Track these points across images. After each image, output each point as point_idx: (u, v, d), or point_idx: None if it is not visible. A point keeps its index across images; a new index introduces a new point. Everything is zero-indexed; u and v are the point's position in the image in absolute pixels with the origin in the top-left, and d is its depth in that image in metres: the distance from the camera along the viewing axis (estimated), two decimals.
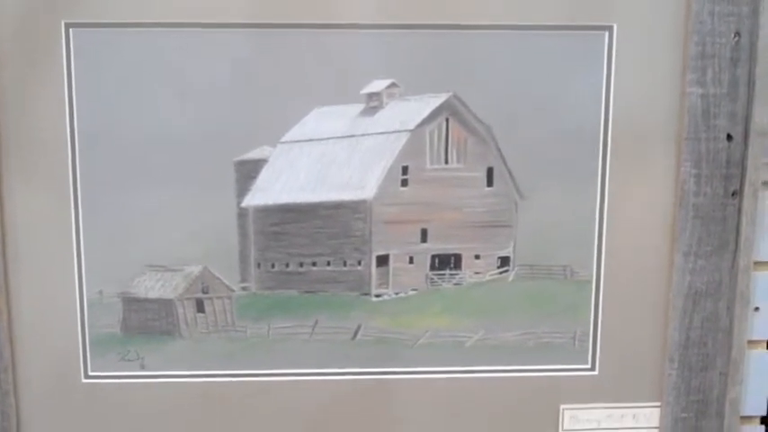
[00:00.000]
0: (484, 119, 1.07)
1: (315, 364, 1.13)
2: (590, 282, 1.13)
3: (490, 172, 1.09)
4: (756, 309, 1.14)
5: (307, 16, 1.03)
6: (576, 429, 1.16)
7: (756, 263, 1.13)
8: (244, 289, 1.11)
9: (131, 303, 1.10)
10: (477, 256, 1.12)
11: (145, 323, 1.11)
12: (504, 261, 1.12)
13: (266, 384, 1.13)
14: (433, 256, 1.12)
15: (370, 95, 1.06)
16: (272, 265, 1.10)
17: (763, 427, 1.18)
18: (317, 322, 1.12)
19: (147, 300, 1.10)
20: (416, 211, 1.10)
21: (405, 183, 1.09)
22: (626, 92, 1.07)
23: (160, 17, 1.03)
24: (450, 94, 1.07)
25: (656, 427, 1.17)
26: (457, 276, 1.12)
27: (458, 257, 1.12)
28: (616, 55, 1.06)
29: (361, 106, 1.06)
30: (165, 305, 1.11)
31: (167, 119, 1.05)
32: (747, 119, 1.07)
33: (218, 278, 1.10)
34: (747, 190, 1.09)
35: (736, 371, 1.14)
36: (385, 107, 1.07)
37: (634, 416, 1.17)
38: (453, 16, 1.04)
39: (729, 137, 1.07)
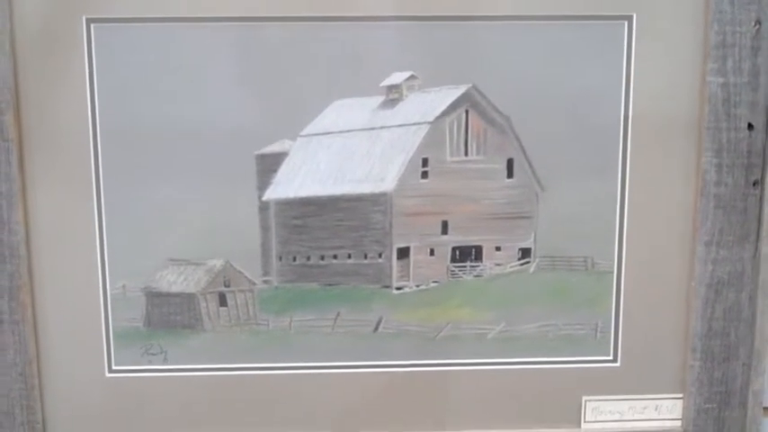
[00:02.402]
0: (503, 110, 1.07)
1: (336, 356, 1.13)
2: (611, 273, 1.12)
3: (510, 163, 1.09)
4: None
5: (326, 9, 1.04)
6: (599, 421, 1.16)
7: None
8: (265, 282, 1.11)
9: (154, 297, 1.11)
10: (497, 248, 1.12)
11: (168, 317, 1.12)
12: (525, 253, 1.12)
13: (288, 377, 1.13)
14: (454, 248, 1.12)
15: (390, 88, 1.06)
16: (294, 259, 1.11)
17: None
18: (338, 315, 1.12)
19: (169, 294, 1.11)
20: (437, 204, 1.10)
21: (425, 175, 1.09)
22: (646, 81, 1.07)
23: (180, 11, 1.03)
24: (470, 85, 1.07)
25: (678, 419, 1.16)
26: (478, 268, 1.12)
27: (478, 249, 1.12)
28: (635, 44, 1.06)
29: (380, 99, 1.07)
30: (188, 299, 1.11)
31: (188, 113, 1.06)
32: None
33: (239, 272, 1.10)
34: None
35: (759, 361, 1.14)
36: (404, 99, 1.07)
37: (656, 407, 1.16)
38: (472, 7, 1.04)
39: (750, 126, 1.07)
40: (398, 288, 1.12)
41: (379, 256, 1.11)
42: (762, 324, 1.12)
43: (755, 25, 1.05)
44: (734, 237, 1.10)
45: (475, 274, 1.12)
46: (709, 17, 1.05)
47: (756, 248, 1.10)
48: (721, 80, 1.06)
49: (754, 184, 1.09)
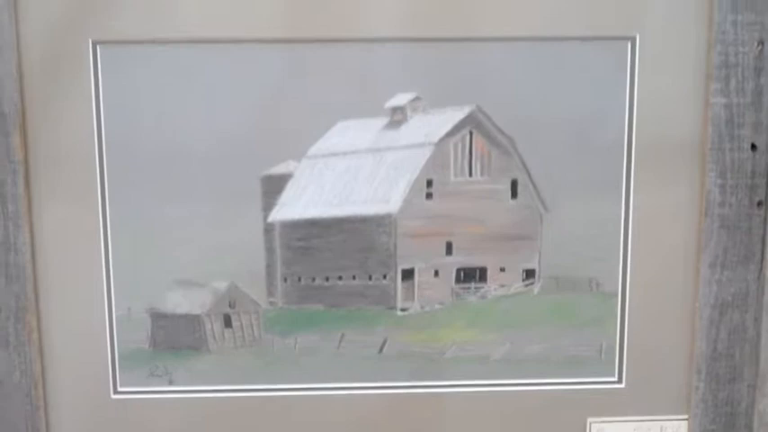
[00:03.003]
0: (507, 131, 1.08)
1: (341, 378, 1.13)
2: (616, 294, 1.12)
3: (514, 184, 1.10)
4: None
5: (331, 31, 1.04)
6: None
7: None
8: (271, 304, 1.11)
9: (159, 319, 1.11)
10: (502, 269, 1.12)
11: (173, 339, 1.12)
12: (530, 274, 1.12)
13: (293, 399, 1.13)
14: (459, 270, 1.12)
15: (394, 109, 1.07)
16: (299, 280, 1.11)
17: None
18: (343, 336, 1.12)
19: (174, 315, 1.11)
20: (441, 225, 1.10)
21: (429, 196, 1.10)
22: (649, 102, 1.07)
23: (186, 33, 1.04)
24: (474, 106, 1.07)
25: None
26: (482, 289, 1.12)
27: (483, 270, 1.12)
28: (639, 65, 1.06)
29: (385, 120, 1.07)
30: (193, 320, 1.11)
31: (194, 134, 1.06)
32: None
33: (245, 293, 1.11)
34: None
35: (765, 382, 1.13)
36: (409, 120, 1.07)
37: (662, 428, 1.16)
38: (476, 29, 1.05)
39: (754, 146, 1.07)
40: (403, 309, 1.12)
41: (384, 277, 1.11)
42: (766, 345, 1.12)
43: (758, 46, 1.05)
44: (738, 257, 1.10)
45: (479, 295, 1.12)
46: (713, 38, 1.05)
47: (761, 269, 1.10)
48: (724, 101, 1.06)
49: (758, 205, 1.09)
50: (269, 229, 1.09)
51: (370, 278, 1.11)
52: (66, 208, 1.08)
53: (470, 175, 1.10)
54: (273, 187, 1.08)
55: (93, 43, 1.04)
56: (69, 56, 1.04)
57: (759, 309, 1.11)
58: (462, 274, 1.12)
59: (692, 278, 1.12)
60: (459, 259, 1.12)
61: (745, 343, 1.12)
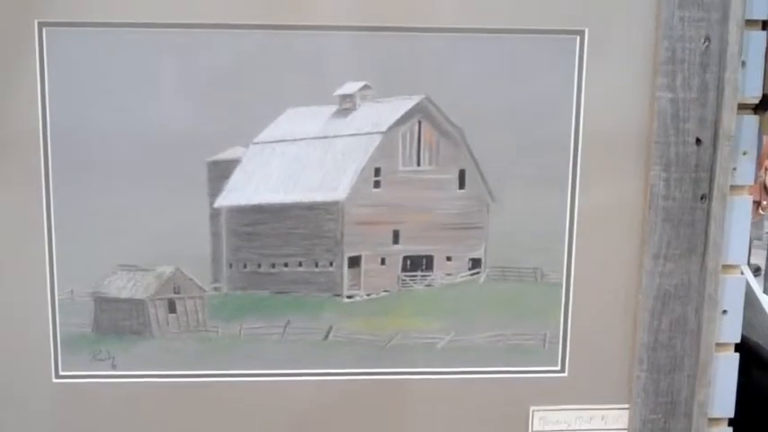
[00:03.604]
0: (456, 122, 1.08)
1: (286, 364, 1.13)
2: (560, 284, 1.13)
3: (462, 174, 1.10)
4: (724, 312, 1.15)
5: (280, 18, 1.04)
6: (546, 431, 1.17)
7: (725, 266, 1.14)
8: (216, 289, 1.11)
9: (103, 303, 1.10)
10: (448, 258, 1.12)
11: (116, 323, 1.11)
12: (476, 263, 1.13)
13: (237, 384, 1.13)
14: (405, 258, 1.12)
15: (344, 97, 1.07)
16: (244, 266, 1.11)
17: (730, 428, 1.19)
18: (288, 323, 1.12)
19: (118, 300, 1.10)
20: (388, 213, 1.11)
21: (377, 184, 1.10)
22: (596, 95, 1.08)
23: (133, 17, 1.03)
24: (423, 96, 1.07)
25: (624, 429, 1.18)
26: (428, 278, 1.13)
27: (429, 259, 1.12)
28: (587, 59, 1.07)
29: (334, 108, 1.07)
30: (137, 305, 1.11)
31: (140, 119, 1.05)
32: (716, 123, 1.08)
33: (190, 278, 1.10)
34: (716, 194, 1.10)
35: (704, 373, 1.15)
36: (358, 109, 1.07)
37: (603, 417, 1.17)
38: (426, 19, 1.05)
39: (699, 141, 1.09)
40: (349, 297, 1.13)
41: (330, 264, 1.11)
42: (707, 336, 1.14)
43: (704, 42, 1.06)
44: (681, 250, 1.11)
45: (426, 283, 1.13)
46: (660, 33, 1.06)
47: (703, 262, 1.12)
48: (670, 95, 1.07)
49: (701, 198, 1.10)
50: (215, 214, 1.09)
51: (316, 265, 1.11)
52: (9, 190, 1.06)
53: (418, 164, 1.10)
54: (220, 173, 1.07)
55: (38, 25, 1.03)
56: (14, 38, 1.03)
57: (700, 300, 1.13)
58: (409, 263, 1.12)
59: (636, 269, 1.13)
60: (406, 247, 1.12)
61: (686, 334, 1.14)
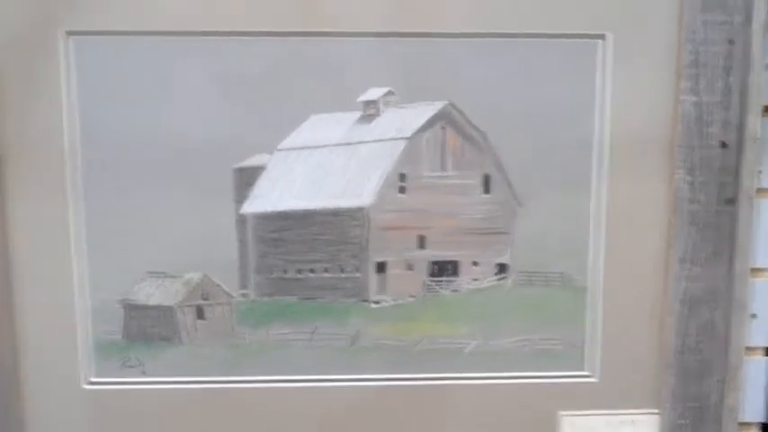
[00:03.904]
0: (480, 126, 1.09)
1: (313, 370, 1.14)
2: (586, 289, 1.13)
3: (487, 179, 1.10)
4: (753, 315, 1.14)
5: (305, 25, 1.05)
6: None
7: (753, 269, 1.13)
8: (243, 296, 1.12)
9: (132, 310, 1.11)
10: (474, 263, 1.13)
11: (145, 330, 1.12)
12: (502, 268, 1.13)
13: (265, 390, 1.14)
14: (431, 263, 1.12)
15: (367, 103, 1.07)
16: (271, 272, 1.12)
17: None
18: (315, 329, 1.13)
19: (147, 306, 1.11)
20: (414, 218, 1.11)
21: (402, 190, 1.10)
22: (620, 99, 1.08)
23: (158, 26, 1.04)
24: (446, 102, 1.08)
25: None
26: (455, 283, 1.13)
27: (455, 264, 1.13)
28: (610, 63, 1.07)
29: (357, 114, 1.08)
30: (166, 312, 1.12)
31: (167, 126, 1.07)
32: (741, 126, 1.08)
33: (217, 285, 1.11)
34: (742, 197, 1.09)
35: (734, 377, 1.14)
36: (382, 115, 1.08)
37: (633, 422, 1.17)
38: (449, 25, 1.05)
39: (723, 144, 1.08)
40: (376, 302, 1.13)
41: (357, 270, 1.12)
42: (736, 340, 1.13)
43: (728, 45, 1.06)
44: (707, 253, 1.11)
45: (452, 288, 1.13)
46: (683, 37, 1.06)
47: (730, 265, 1.11)
48: (694, 99, 1.07)
49: (727, 202, 1.10)
50: (241, 221, 1.10)
51: (342, 271, 1.12)
52: (39, 200, 1.08)
53: (443, 169, 1.10)
54: (246, 180, 1.08)
55: (65, 34, 1.04)
56: (42, 47, 1.04)
57: (728, 304, 1.12)
58: (435, 268, 1.13)
59: (662, 274, 1.13)
60: (432, 253, 1.12)
61: (715, 338, 1.13)
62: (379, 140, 1.09)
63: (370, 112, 1.08)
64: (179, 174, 1.07)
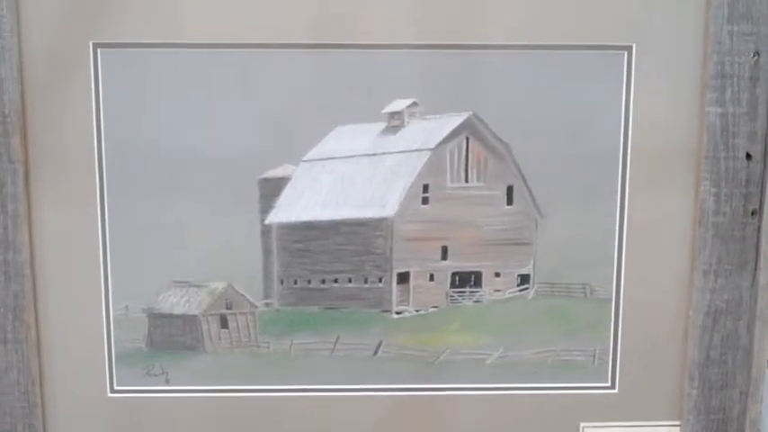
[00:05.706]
0: (504, 138, 1.09)
1: (336, 380, 1.14)
2: (610, 300, 1.13)
3: (510, 190, 1.10)
4: None
5: (330, 36, 1.05)
6: None
7: None
8: (267, 305, 1.12)
9: (156, 319, 1.12)
10: (497, 274, 1.13)
11: (170, 338, 1.13)
12: (524, 279, 1.13)
13: (288, 400, 1.14)
14: (454, 274, 1.13)
15: (392, 114, 1.08)
16: (295, 282, 1.12)
17: None
18: (338, 339, 1.13)
19: (171, 315, 1.12)
20: (437, 229, 1.11)
21: (425, 201, 1.10)
22: (645, 110, 1.08)
23: (186, 38, 1.05)
24: (470, 113, 1.08)
25: None
26: (477, 294, 1.13)
27: (478, 275, 1.13)
28: (635, 74, 1.07)
29: (382, 125, 1.08)
30: (190, 321, 1.12)
31: (193, 137, 1.07)
32: (767, 138, 1.08)
33: (241, 294, 1.11)
34: (767, 209, 1.09)
35: (757, 389, 1.14)
36: (406, 126, 1.08)
37: None
38: (474, 36, 1.06)
39: (749, 156, 1.08)
40: (398, 312, 1.13)
41: (380, 280, 1.12)
42: (759, 352, 1.13)
43: (754, 56, 1.06)
44: (732, 266, 1.11)
45: (474, 299, 1.13)
46: (709, 48, 1.06)
47: (754, 277, 1.11)
48: (720, 110, 1.07)
49: (752, 214, 1.09)
50: (266, 231, 1.10)
51: (365, 281, 1.12)
52: (65, 208, 1.09)
53: (467, 180, 1.10)
54: (271, 190, 1.09)
55: (93, 46, 1.05)
56: (70, 58, 1.05)
57: (752, 316, 1.12)
58: (457, 279, 1.13)
59: (686, 285, 1.12)
60: (455, 263, 1.12)
61: (738, 350, 1.13)
62: (404, 151, 1.09)
63: (395, 123, 1.08)
64: (205, 184, 1.08)
